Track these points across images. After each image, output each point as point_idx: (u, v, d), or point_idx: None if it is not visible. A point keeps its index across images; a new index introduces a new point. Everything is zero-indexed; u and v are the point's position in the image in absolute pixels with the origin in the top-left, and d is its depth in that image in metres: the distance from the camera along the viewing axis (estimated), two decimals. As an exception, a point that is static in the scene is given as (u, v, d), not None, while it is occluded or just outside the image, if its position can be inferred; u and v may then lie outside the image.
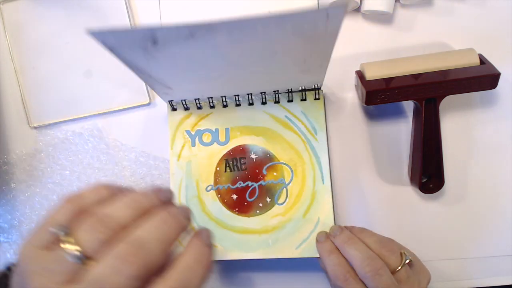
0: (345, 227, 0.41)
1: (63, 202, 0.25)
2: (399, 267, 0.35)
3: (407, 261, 0.36)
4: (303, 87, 0.44)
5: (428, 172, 0.43)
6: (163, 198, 0.27)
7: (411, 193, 0.47)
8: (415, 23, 0.45)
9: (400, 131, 0.46)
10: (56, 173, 0.48)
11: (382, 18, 0.45)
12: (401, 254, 0.37)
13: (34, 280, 0.22)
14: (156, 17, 0.46)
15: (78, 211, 0.24)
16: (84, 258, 0.22)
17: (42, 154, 0.48)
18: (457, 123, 0.46)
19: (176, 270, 0.24)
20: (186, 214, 0.27)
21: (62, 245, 0.22)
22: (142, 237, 0.23)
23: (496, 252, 0.46)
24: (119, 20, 0.46)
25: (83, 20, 0.46)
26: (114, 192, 0.26)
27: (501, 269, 0.47)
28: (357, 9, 0.44)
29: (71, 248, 0.22)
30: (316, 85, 0.44)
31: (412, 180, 0.45)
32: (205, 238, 0.27)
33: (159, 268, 0.24)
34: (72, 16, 0.46)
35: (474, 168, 0.46)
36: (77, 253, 0.22)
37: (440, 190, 0.44)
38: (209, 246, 0.27)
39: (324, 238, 0.40)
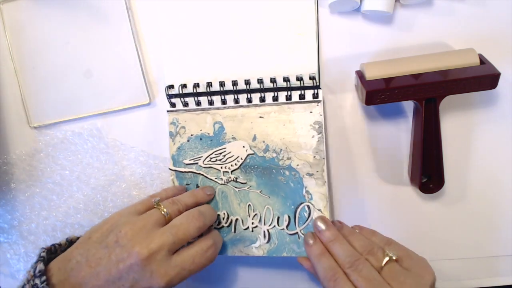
0: (335, 222, 0.41)
1: (149, 197, 0.41)
2: (382, 264, 0.35)
3: (387, 259, 0.35)
4: (300, 77, 0.44)
5: (428, 172, 0.43)
6: (208, 192, 0.43)
7: (411, 193, 0.47)
8: (415, 23, 0.45)
9: (400, 131, 0.46)
10: (55, 173, 0.48)
11: (382, 18, 0.45)
12: (383, 253, 0.36)
13: (131, 227, 0.35)
14: (156, 17, 0.46)
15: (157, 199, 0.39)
16: (168, 215, 0.38)
17: (41, 154, 0.48)
18: (457, 123, 0.46)
19: (213, 231, 0.42)
20: (211, 192, 0.44)
21: (159, 205, 0.38)
22: (201, 209, 0.39)
23: (496, 252, 0.46)
24: (119, 20, 0.46)
25: (83, 20, 0.46)
26: (179, 191, 0.43)
27: (501, 269, 0.47)
28: (357, 9, 0.44)
29: (161, 207, 0.38)
30: (314, 82, 0.44)
31: (412, 180, 0.45)
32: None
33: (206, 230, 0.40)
34: (72, 16, 0.46)
35: (474, 168, 0.46)
36: (166, 210, 0.38)
37: (440, 190, 0.44)
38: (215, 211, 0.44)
39: (312, 240, 0.39)
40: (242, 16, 0.45)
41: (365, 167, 0.46)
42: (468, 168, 0.46)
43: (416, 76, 0.41)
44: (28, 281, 0.33)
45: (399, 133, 0.46)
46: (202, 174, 0.45)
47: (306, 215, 0.43)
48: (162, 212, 0.37)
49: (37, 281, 0.33)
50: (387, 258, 0.35)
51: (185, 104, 0.46)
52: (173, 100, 0.46)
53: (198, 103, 0.46)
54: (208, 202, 0.44)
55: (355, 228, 0.41)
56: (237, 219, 0.44)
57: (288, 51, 0.45)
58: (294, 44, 0.45)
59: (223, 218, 0.44)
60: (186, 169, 0.45)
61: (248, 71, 0.45)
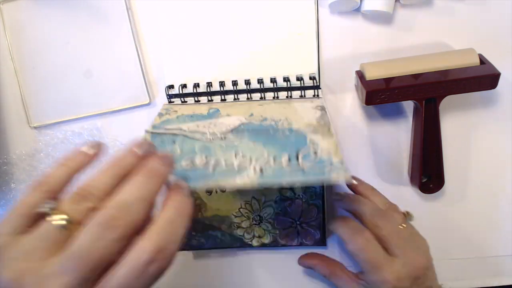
0: (357, 181, 0.43)
1: (30, 190, 0.25)
2: (403, 224, 0.38)
3: (410, 219, 0.39)
4: (301, 77, 0.43)
5: (428, 172, 0.43)
6: (143, 152, 0.27)
7: (411, 193, 0.47)
8: (415, 23, 0.45)
9: (400, 131, 0.46)
10: (56, 173, 0.48)
11: (382, 18, 0.44)
12: (404, 214, 0.40)
13: (12, 266, 0.22)
14: (156, 17, 0.46)
15: (49, 192, 0.25)
16: (70, 223, 0.23)
17: (42, 154, 0.48)
18: (457, 123, 0.46)
19: (158, 225, 0.24)
20: (168, 161, 0.27)
21: (48, 218, 0.23)
22: (124, 200, 0.24)
23: (496, 252, 0.46)
24: (119, 20, 0.46)
25: (83, 20, 0.46)
26: (88, 158, 0.27)
27: (501, 269, 0.47)
28: (357, 9, 0.44)
29: (57, 218, 0.23)
30: (314, 82, 0.44)
31: (412, 180, 0.45)
32: (184, 190, 0.27)
33: (143, 224, 0.24)
34: (72, 16, 0.46)
35: (474, 168, 0.46)
36: (63, 221, 0.22)
37: (440, 190, 0.44)
38: (188, 198, 0.27)
39: (343, 196, 0.41)
40: (242, 16, 0.45)
41: (365, 167, 0.46)
42: (468, 168, 0.46)
43: (416, 76, 0.41)
44: None
45: (399, 133, 0.46)
46: (184, 135, 0.37)
47: (312, 153, 0.34)
48: (56, 222, 0.23)
49: None
50: (408, 217, 0.39)
51: (185, 103, 0.46)
52: (173, 100, 0.46)
53: (197, 101, 0.46)
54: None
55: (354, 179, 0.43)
56: (217, 160, 0.34)
57: (288, 51, 0.45)
58: (294, 44, 0.45)
59: (198, 161, 0.34)
60: (165, 131, 0.38)
61: (248, 71, 0.45)
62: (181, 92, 0.45)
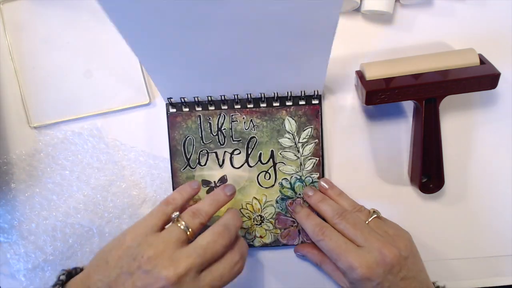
0: (325, 180, 0.45)
1: (163, 204, 0.37)
2: (369, 220, 0.40)
3: (375, 216, 0.40)
4: (303, 92, 0.44)
5: (428, 172, 0.43)
6: (229, 193, 0.40)
7: (411, 193, 0.47)
8: (415, 23, 0.45)
9: (400, 131, 0.46)
10: (56, 173, 0.48)
11: (382, 18, 0.45)
12: (369, 211, 0.41)
13: (152, 249, 0.32)
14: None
15: (176, 208, 0.37)
16: (189, 230, 0.35)
17: (41, 154, 0.48)
18: (457, 123, 0.46)
19: (240, 243, 0.38)
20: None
21: (175, 223, 0.35)
22: (226, 223, 0.36)
23: (496, 252, 0.46)
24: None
25: (83, 20, 0.46)
26: (193, 191, 0.40)
27: (501, 269, 0.47)
28: (357, 9, 0.44)
29: (181, 223, 0.35)
30: (316, 92, 0.44)
31: (412, 180, 0.45)
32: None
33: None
34: (72, 16, 0.46)
35: (474, 168, 0.46)
36: (185, 227, 0.35)
37: (440, 190, 0.44)
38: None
39: (299, 208, 0.44)
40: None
41: (365, 167, 0.46)
42: (468, 168, 0.46)
43: (416, 76, 0.41)
44: None
45: (399, 133, 0.46)
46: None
47: None
48: (182, 227, 0.35)
49: None
50: (374, 215, 0.40)
51: (186, 104, 0.46)
52: (173, 100, 0.46)
53: (199, 104, 0.45)
54: None
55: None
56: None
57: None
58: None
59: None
60: None
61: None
62: (182, 101, 0.45)
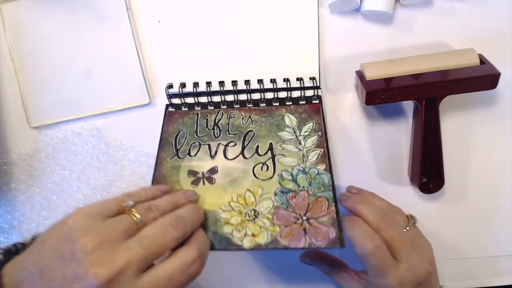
0: (351, 188, 0.43)
1: (123, 195, 0.34)
2: (407, 227, 0.38)
3: (414, 222, 0.39)
4: (301, 78, 0.43)
5: (428, 172, 0.43)
6: (190, 198, 0.37)
7: (411, 193, 0.47)
8: (415, 23, 0.45)
9: (400, 131, 0.46)
10: (55, 173, 0.48)
11: (382, 18, 0.44)
12: (407, 216, 0.39)
13: (96, 234, 0.28)
14: (156, 18, 0.46)
15: (133, 199, 0.33)
16: (141, 222, 0.31)
17: (41, 154, 0.48)
18: (457, 123, 0.46)
19: (199, 238, 0.34)
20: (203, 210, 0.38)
21: (127, 213, 0.31)
22: (181, 214, 0.33)
23: (496, 252, 0.46)
24: (119, 20, 0.46)
25: (83, 20, 0.46)
26: (160, 193, 0.37)
27: (501, 269, 0.47)
28: (357, 9, 0.44)
29: (134, 213, 0.31)
30: (314, 82, 0.44)
31: (412, 180, 0.45)
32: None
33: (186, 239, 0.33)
34: (72, 16, 0.46)
35: (474, 168, 0.46)
36: (137, 217, 0.31)
37: (440, 190, 0.44)
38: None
39: (348, 195, 0.41)
40: (242, 16, 0.45)
41: (365, 167, 0.46)
42: (468, 168, 0.46)
43: (416, 76, 0.41)
44: None
45: (399, 133, 0.46)
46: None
47: None
48: (135, 219, 0.31)
49: None
50: (412, 222, 0.39)
51: (185, 105, 0.46)
52: (173, 100, 0.46)
53: (198, 104, 0.46)
54: None
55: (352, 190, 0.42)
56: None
57: (288, 51, 0.45)
58: (294, 44, 0.45)
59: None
60: None
61: (248, 71, 0.45)
62: (181, 92, 0.45)
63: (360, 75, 0.43)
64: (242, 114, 0.45)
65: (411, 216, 0.39)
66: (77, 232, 0.28)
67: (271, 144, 0.42)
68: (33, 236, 0.34)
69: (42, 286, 0.28)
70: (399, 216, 0.39)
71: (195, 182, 0.41)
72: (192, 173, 0.42)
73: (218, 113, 0.45)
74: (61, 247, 0.28)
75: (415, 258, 0.36)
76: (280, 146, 0.42)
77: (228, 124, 0.44)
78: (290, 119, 0.44)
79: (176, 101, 0.46)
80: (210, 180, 0.41)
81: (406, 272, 0.35)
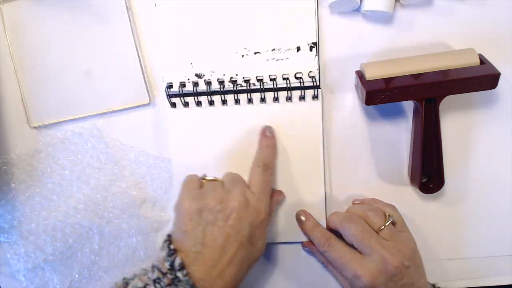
0: None
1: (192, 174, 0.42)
2: (383, 226, 0.39)
3: (390, 221, 0.40)
4: (300, 77, 0.44)
5: (428, 172, 0.43)
6: (271, 134, 0.45)
7: (411, 193, 0.47)
8: (415, 23, 0.45)
9: (400, 131, 0.46)
10: (55, 173, 0.48)
11: (382, 18, 0.45)
12: (385, 215, 0.40)
13: (212, 196, 0.37)
14: (156, 17, 0.46)
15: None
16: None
17: (41, 154, 0.48)
18: (457, 123, 0.46)
19: (259, 153, 0.44)
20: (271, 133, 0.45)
21: (206, 180, 0.41)
22: (264, 160, 0.42)
23: (496, 252, 0.47)
24: (119, 20, 0.46)
25: (83, 20, 0.46)
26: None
27: (501, 269, 0.47)
28: (357, 9, 0.44)
29: (212, 179, 0.41)
30: (314, 82, 0.44)
31: (412, 180, 0.45)
32: (269, 132, 0.45)
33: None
34: (72, 16, 0.46)
35: (474, 168, 0.46)
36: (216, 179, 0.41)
37: (440, 190, 0.44)
38: (273, 135, 0.45)
39: (304, 217, 0.44)
40: (242, 16, 0.45)
41: (365, 167, 0.46)
42: (468, 168, 0.46)
43: (416, 76, 0.41)
44: (165, 274, 0.34)
45: (399, 133, 0.46)
46: None
47: None
48: (216, 181, 0.41)
49: (179, 274, 0.34)
50: (389, 221, 0.40)
51: (185, 104, 0.46)
52: (173, 100, 0.46)
53: (198, 103, 0.46)
54: None
55: (355, 201, 0.46)
56: None
57: (288, 51, 0.45)
58: (294, 44, 0.45)
59: None
60: None
61: (248, 70, 0.45)
62: (181, 91, 0.45)
63: (360, 75, 0.43)
64: None
65: (389, 215, 0.40)
66: (200, 203, 0.37)
67: None
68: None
69: (213, 248, 0.35)
70: (374, 215, 0.40)
71: None
72: None
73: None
74: (200, 220, 0.36)
75: (385, 252, 0.37)
76: None
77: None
78: None
79: (176, 101, 0.46)
80: None
81: (372, 263, 0.37)
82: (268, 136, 0.44)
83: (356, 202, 0.45)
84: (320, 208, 0.45)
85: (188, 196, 0.38)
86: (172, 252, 0.35)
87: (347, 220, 0.40)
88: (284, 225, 0.46)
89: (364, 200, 0.45)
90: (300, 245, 0.46)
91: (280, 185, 0.46)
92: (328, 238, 0.41)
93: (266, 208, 0.39)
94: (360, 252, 0.39)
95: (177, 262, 0.34)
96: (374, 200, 0.45)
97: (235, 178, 0.40)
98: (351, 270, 0.38)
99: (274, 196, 0.44)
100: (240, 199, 0.37)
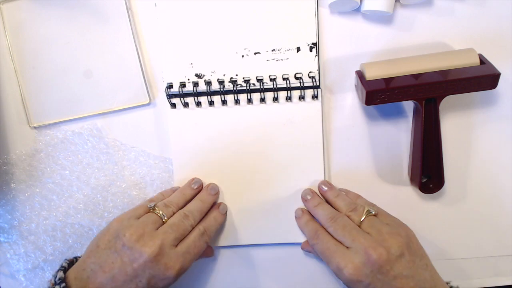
0: (324, 182, 0.45)
1: (146, 201, 0.44)
2: (362, 219, 0.40)
3: (371, 213, 0.40)
4: (300, 77, 0.44)
5: (428, 172, 0.43)
6: (194, 186, 0.45)
7: (411, 193, 0.47)
8: (415, 23, 0.45)
9: (400, 131, 0.46)
10: (55, 173, 0.48)
11: (382, 18, 0.45)
12: (363, 210, 0.40)
13: (133, 230, 0.38)
14: (156, 17, 0.46)
15: (153, 201, 0.43)
16: (165, 217, 0.40)
17: (41, 154, 0.48)
18: (457, 123, 0.46)
19: (207, 220, 0.44)
20: (214, 191, 0.46)
21: (152, 211, 0.41)
22: (190, 209, 0.42)
23: (496, 252, 0.47)
24: (119, 20, 0.46)
25: (83, 20, 0.46)
26: (172, 192, 0.45)
27: (501, 269, 0.47)
28: (357, 9, 0.44)
29: (159, 211, 0.40)
30: (314, 82, 0.44)
31: (412, 180, 0.45)
32: (222, 209, 0.46)
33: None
34: (72, 16, 0.46)
35: (474, 168, 0.46)
36: (161, 213, 0.40)
37: (440, 190, 0.44)
38: (224, 214, 0.46)
39: (300, 213, 0.45)
40: (242, 16, 0.45)
41: (365, 167, 0.46)
42: (468, 168, 0.46)
43: (416, 76, 0.41)
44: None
45: (399, 133, 0.46)
46: None
47: None
48: (159, 215, 0.40)
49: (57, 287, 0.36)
50: (366, 212, 0.40)
51: (185, 105, 0.46)
52: (173, 100, 0.46)
53: (198, 104, 0.46)
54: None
55: (341, 191, 0.45)
56: None
57: (288, 51, 0.45)
58: (294, 44, 0.45)
59: None
60: None
61: (248, 71, 0.45)
62: (181, 92, 0.45)
63: (360, 75, 0.43)
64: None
65: (368, 210, 0.40)
66: (122, 230, 0.38)
67: None
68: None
69: (105, 276, 0.36)
70: (354, 212, 0.41)
71: None
72: None
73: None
74: (113, 245, 0.37)
75: (366, 243, 0.37)
76: None
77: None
78: None
79: (176, 101, 0.46)
80: None
81: (355, 254, 0.37)
82: (220, 212, 0.45)
83: (324, 188, 0.45)
84: None
85: (123, 218, 0.39)
86: (60, 269, 0.38)
87: (330, 219, 0.41)
88: (287, 226, 0.46)
89: (333, 189, 0.45)
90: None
91: (280, 185, 0.46)
92: (316, 231, 0.41)
93: (177, 268, 0.38)
94: (345, 246, 0.38)
95: (58, 276, 0.36)
96: (348, 191, 0.46)
97: (174, 224, 0.40)
98: (334, 262, 0.38)
99: (203, 254, 0.45)
100: (155, 249, 0.37)
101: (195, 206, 0.43)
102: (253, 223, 0.47)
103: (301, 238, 0.46)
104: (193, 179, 0.46)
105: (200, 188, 0.46)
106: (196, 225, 0.42)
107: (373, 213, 0.40)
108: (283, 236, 0.47)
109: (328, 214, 0.41)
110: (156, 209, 0.41)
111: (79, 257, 0.41)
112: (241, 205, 0.47)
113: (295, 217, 0.46)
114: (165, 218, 0.40)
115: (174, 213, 0.41)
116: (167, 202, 0.42)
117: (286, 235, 0.46)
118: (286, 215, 0.46)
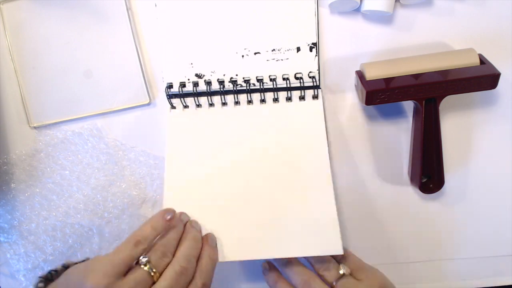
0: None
1: (133, 242, 0.35)
2: (335, 282, 0.38)
3: (342, 272, 0.39)
4: (300, 77, 0.44)
5: (428, 172, 0.43)
6: (185, 220, 0.40)
7: (411, 193, 0.47)
8: (415, 23, 0.45)
9: (400, 131, 0.46)
10: (55, 173, 0.48)
11: (382, 18, 0.45)
12: (337, 268, 0.39)
13: None
14: (156, 17, 0.46)
15: (144, 249, 0.36)
16: (155, 272, 0.34)
17: (41, 154, 0.48)
18: (457, 123, 0.46)
19: (203, 270, 0.37)
20: (198, 227, 0.41)
21: (142, 267, 0.34)
22: (186, 255, 0.36)
23: (496, 252, 0.47)
24: (119, 20, 0.46)
25: (83, 20, 0.46)
26: (165, 223, 0.38)
27: (501, 269, 0.47)
28: (357, 9, 0.44)
29: (148, 267, 0.34)
30: (314, 82, 0.44)
31: (412, 180, 0.45)
32: (211, 241, 0.40)
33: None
34: (72, 16, 0.46)
35: (474, 168, 0.46)
36: (155, 270, 0.34)
37: (440, 190, 0.44)
38: (215, 247, 0.40)
39: (267, 270, 0.42)
40: (242, 16, 0.45)
41: (365, 167, 0.46)
42: (468, 168, 0.46)
43: (416, 76, 0.41)
44: None
45: (399, 133, 0.46)
46: None
47: None
48: (149, 271, 0.34)
49: None
50: (340, 273, 0.39)
51: (185, 106, 0.46)
52: (173, 101, 0.46)
53: (198, 105, 0.46)
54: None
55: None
56: None
57: (288, 51, 0.45)
58: (294, 44, 0.45)
59: None
60: None
61: (248, 71, 0.45)
62: (181, 92, 0.45)
63: (360, 75, 0.43)
64: None
65: (343, 272, 0.39)
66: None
67: None
68: (64, 264, 0.38)
69: None
70: (327, 272, 0.39)
71: None
72: None
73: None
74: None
75: None
76: None
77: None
78: None
79: (176, 101, 0.46)
80: None
81: None
82: (211, 246, 0.39)
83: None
84: (331, 210, 0.41)
85: (101, 277, 0.33)
86: None
87: (305, 283, 0.39)
88: (293, 238, 0.41)
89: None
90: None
91: (283, 187, 0.45)
92: None
93: None
94: None
95: None
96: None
97: None
98: None
99: None
100: None
101: (190, 250, 0.37)
102: (254, 229, 0.42)
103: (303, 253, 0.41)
104: (166, 210, 0.40)
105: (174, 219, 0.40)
106: (192, 278, 0.36)
107: (347, 272, 0.39)
108: (285, 249, 0.41)
109: (300, 275, 0.39)
110: (148, 266, 0.34)
111: (54, 270, 0.37)
112: (240, 208, 0.43)
113: (263, 271, 0.43)
114: (155, 273, 0.34)
115: (167, 265, 0.36)
116: (166, 250, 0.36)
117: (289, 247, 0.41)
118: (289, 222, 0.42)
